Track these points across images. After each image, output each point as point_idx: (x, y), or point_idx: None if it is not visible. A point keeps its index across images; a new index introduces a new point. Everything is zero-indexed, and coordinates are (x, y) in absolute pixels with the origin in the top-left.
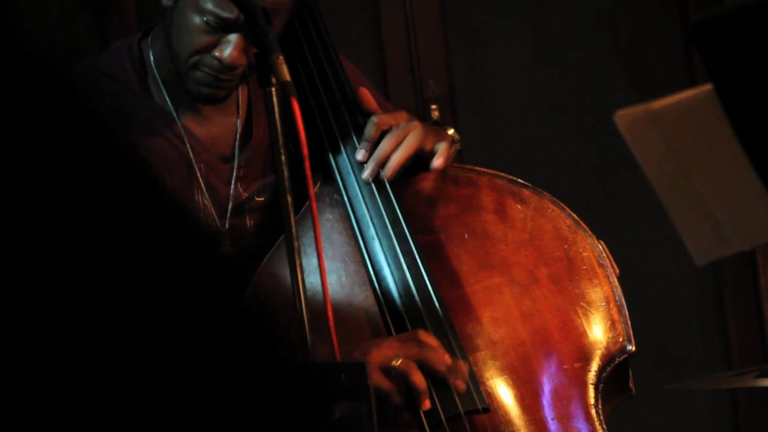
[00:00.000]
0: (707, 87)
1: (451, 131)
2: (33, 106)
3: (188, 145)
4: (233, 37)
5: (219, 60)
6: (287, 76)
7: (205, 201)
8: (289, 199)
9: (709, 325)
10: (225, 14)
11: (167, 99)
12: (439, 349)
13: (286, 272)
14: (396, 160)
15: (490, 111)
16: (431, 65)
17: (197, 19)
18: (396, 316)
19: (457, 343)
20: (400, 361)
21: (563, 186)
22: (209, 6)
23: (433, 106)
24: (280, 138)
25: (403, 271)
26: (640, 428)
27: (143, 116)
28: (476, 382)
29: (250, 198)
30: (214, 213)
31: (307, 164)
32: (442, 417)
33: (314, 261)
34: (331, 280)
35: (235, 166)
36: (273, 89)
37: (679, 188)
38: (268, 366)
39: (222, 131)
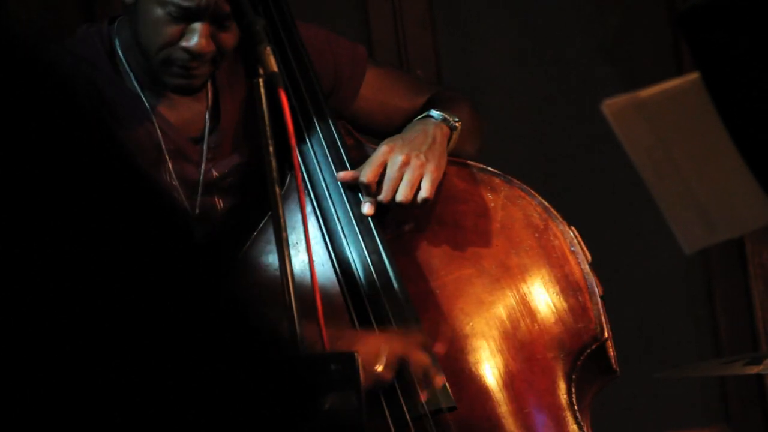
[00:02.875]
0: (694, 75)
1: (450, 118)
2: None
3: (158, 128)
4: (198, 25)
5: (187, 50)
6: (275, 67)
7: (173, 182)
8: (278, 190)
9: (697, 313)
10: (186, 3)
11: (136, 84)
12: (423, 357)
13: (269, 260)
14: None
15: (478, 101)
16: (419, 55)
17: (160, 12)
18: (358, 301)
19: (412, 313)
20: (383, 360)
21: (551, 177)
22: None
23: (419, 72)
24: (268, 128)
25: (363, 253)
26: (629, 417)
27: (116, 100)
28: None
29: (220, 179)
30: (182, 194)
31: (295, 154)
32: (408, 418)
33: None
34: (298, 265)
35: (205, 148)
36: (261, 80)
37: (667, 176)
38: (256, 357)
39: (191, 114)
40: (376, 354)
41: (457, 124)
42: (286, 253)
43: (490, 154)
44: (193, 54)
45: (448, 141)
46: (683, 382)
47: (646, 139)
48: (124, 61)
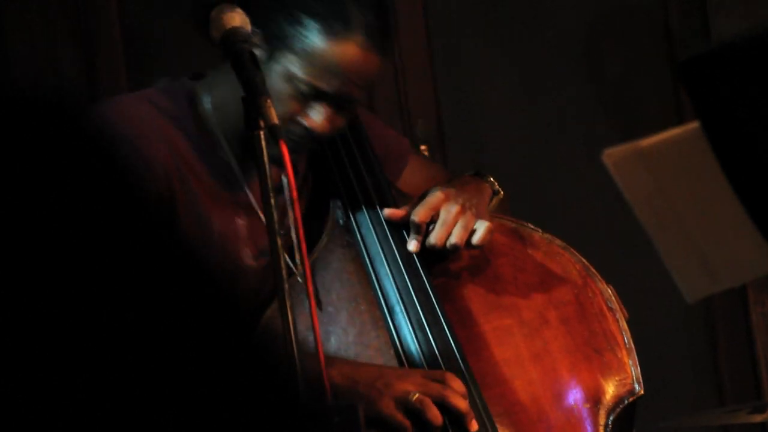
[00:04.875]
0: (695, 124)
1: (494, 183)
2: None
3: (252, 213)
4: (323, 107)
5: (306, 128)
6: (275, 119)
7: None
8: (279, 241)
9: (700, 362)
10: (322, 86)
11: (230, 156)
12: (463, 394)
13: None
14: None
15: (480, 149)
16: (420, 105)
17: (286, 86)
18: (411, 359)
19: (479, 396)
20: (416, 396)
21: (553, 221)
22: (301, 74)
23: (423, 147)
24: (269, 180)
25: (419, 315)
26: None
27: (202, 170)
28: (491, 420)
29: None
30: (250, 254)
31: (296, 206)
32: None
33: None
34: (341, 318)
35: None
36: (261, 132)
37: (668, 225)
38: (261, 407)
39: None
40: (414, 387)
41: (500, 191)
42: (288, 303)
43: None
44: (310, 132)
45: (489, 203)
46: (687, 431)
47: (647, 189)
48: (214, 124)
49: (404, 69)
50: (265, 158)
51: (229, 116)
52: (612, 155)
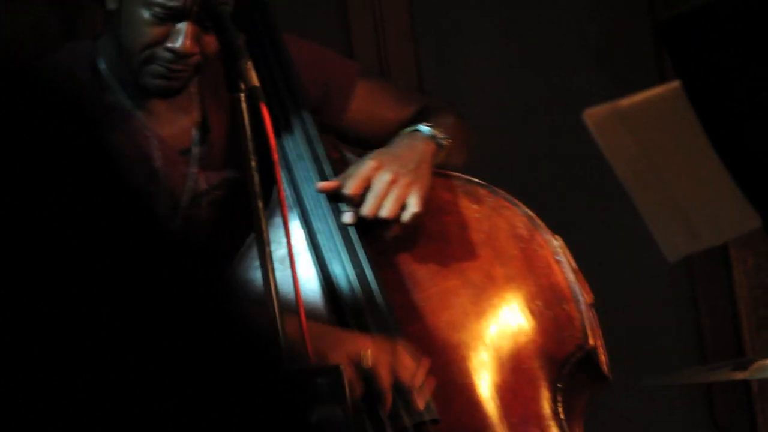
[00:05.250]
0: (675, 84)
1: (438, 135)
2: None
3: (147, 139)
4: (183, 26)
5: (171, 51)
6: (256, 82)
7: (162, 192)
8: (261, 204)
9: (683, 320)
10: (172, 3)
11: (124, 99)
12: (411, 366)
13: (257, 274)
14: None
15: (461, 110)
16: (401, 69)
17: (145, 13)
18: (341, 315)
19: (395, 324)
20: (369, 354)
21: (536, 186)
22: None
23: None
24: (250, 143)
25: (346, 267)
26: (615, 425)
27: (101, 114)
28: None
29: (207, 191)
30: (169, 205)
31: (277, 169)
32: (388, 430)
33: (279, 269)
34: (285, 280)
35: (193, 159)
36: (242, 95)
37: (649, 185)
38: (242, 371)
39: (179, 128)
40: (366, 350)
41: (444, 143)
42: (269, 267)
43: (473, 164)
44: (177, 54)
45: (435, 157)
46: (669, 389)
47: (628, 148)
48: (109, 75)
49: (385, 31)
50: (246, 120)
51: (120, 65)
52: (592, 115)
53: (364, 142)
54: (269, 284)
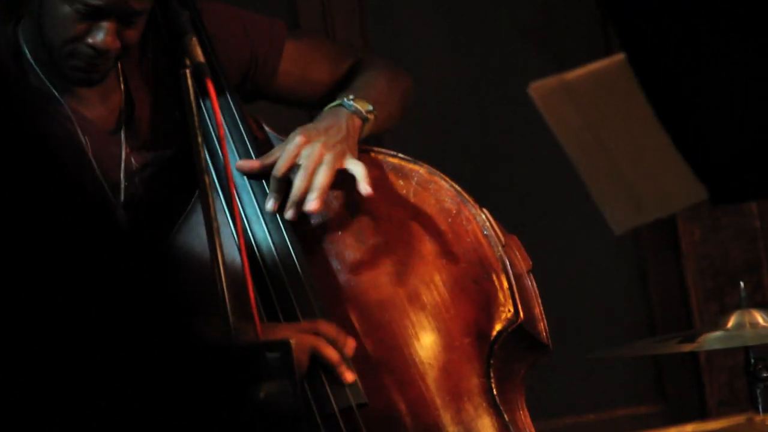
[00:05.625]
0: (620, 56)
1: (362, 109)
2: None
3: (74, 123)
4: (105, 24)
5: (93, 47)
6: (201, 57)
7: (96, 175)
8: (207, 180)
9: (631, 292)
10: (94, 2)
11: (48, 83)
12: (336, 340)
13: (197, 247)
14: (314, 199)
15: (399, 65)
16: (347, 41)
17: (66, 8)
18: (265, 292)
19: (319, 304)
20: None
21: (479, 161)
22: None
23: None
24: (196, 118)
25: (269, 246)
26: (564, 397)
27: (25, 99)
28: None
29: (142, 168)
30: (106, 187)
31: (223, 143)
32: (317, 417)
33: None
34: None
35: (123, 139)
36: (187, 71)
37: (595, 158)
38: (189, 347)
39: (105, 110)
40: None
41: (369, 116)
42: (217, 242)
43: (415, 140)
44: (98, 51)
45: (360, 131)
46: (617, 361)
47: (574, 121)
48: (31, 60)
49: (331, 6)
50: (192, 96)
51: (41, 50)
52: (538, 88)
53: (300, 104)
54: (217, 259)
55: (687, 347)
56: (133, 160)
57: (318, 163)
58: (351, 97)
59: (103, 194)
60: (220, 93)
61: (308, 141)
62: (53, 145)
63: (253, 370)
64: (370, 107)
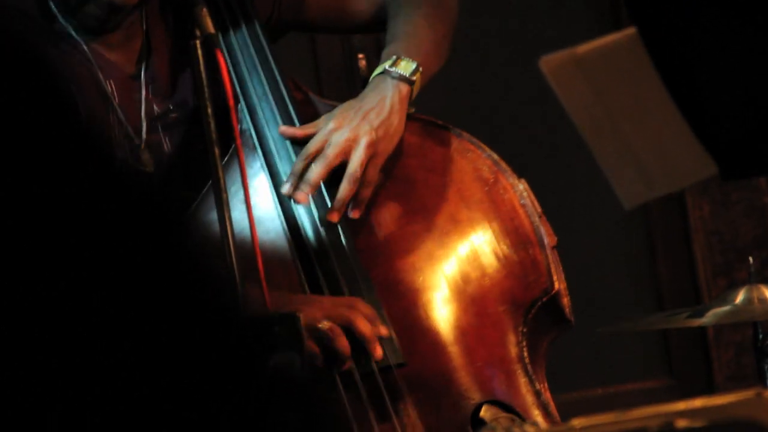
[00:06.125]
0: (631, 30)
1: (407, 75)
2: None
3: (96, 66)
4: None
5: (110, 3)
6: (212, 29)
7: (120, 118)
8: (217, 151)
9: (639, 267)
10: None
11: (70, 29)
12: (371, 318)
13: (215, 220)
14: (335, 210)
15: None
16: (364, 40)
17: None
18: (306, 258)
19: (367, 284)
20: (326, 324)
21: (490, 130)
22: None
23: (360, 55)
24: (206, 90)
25: (310, 209)
26: (573, 371)
27: (48, 43)
28: (391, 337)
29: (163, 114)
30: (130, 130)
31: (233, 115)
32: (357, 376)
33: (240, 210)
34: (242, 215)
35: (143, 83)
36: (198, 42)
37: (605, 132)
38: (200, 319)
39: (126, 54)
40: (322, 313)
41: (415, 77)
42: (226, 215)
43: (429, 110)
44: (115, 6)
45: (409, 98)
46: (626, 336)
47: (584, 96)
48: (53, 6)
49: None
50: (201, 67)
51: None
52: (548, 62)
53: (338, 30)
54: (227, 233)
55: (695, 322)
56: (155, 106)
57: (341, 154)
58: (394, 59)
59: (127, 138)
60: (260, 50)
61: (340, 126)
62: (80, 90)
63: (264, 341)
64: (415, 66)
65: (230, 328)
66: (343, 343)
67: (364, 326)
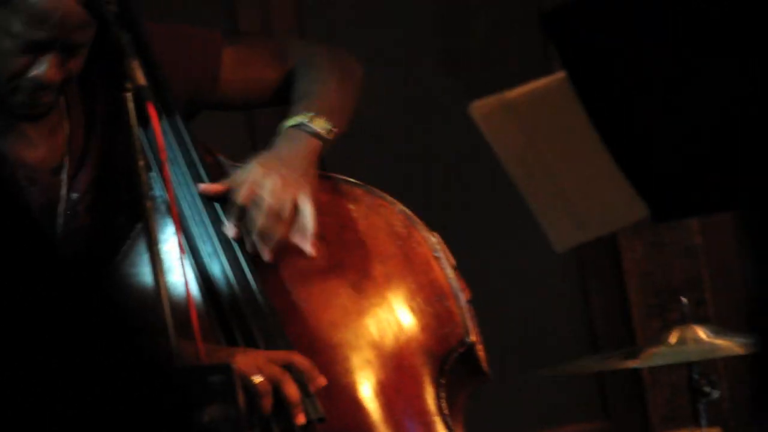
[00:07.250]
0: (561, 74)
1: (322, 132)
2: None
3: (12, 165)
4: (47, 56)
5: (35, 79)
6: (143, 80)
7: (35, 216)
8: (149, 204)
9: (573, 310)
10: (36, 37)
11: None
12: (308, 370)
13: (142, 272)
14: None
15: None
16: None
17: (8, 43)
18: (222, 317)
19: (285, 342)
20: (259, 379)
21: (417, 181)
22: (18, 29)
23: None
24: (137, 142)
25: (225, 269)
26: (508, 416)
27: None
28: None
29: (79, 199)
30: (44, 218)
31: (165, 168)
32: (275, 430)
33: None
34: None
35: (65, 176)
36: (128, 94)
37: (537, 176)
38: (132, 371)
39: (49, 148)
40: (256, 367)
41: (329, 136)
42: (159, 268)
43: (348, 163)
44: (41, 84)
45: (321, 153)
46: (561, 379)
47: (516, 140)
48: None
49: (272, 28)
50: (133, 120)
51: None
52: (479, 107)
53: (253, 106)
54: (159, 283)
55: (630, 363)
56: (72, 192)
57: (279, 201)
58: (308, 115)
59: (42, 231)
60: (169, 114)
61: (268, 172)
62: None
63: (197, 394)
64: (329, 126)
65: (164, 378)
66: (267, 404)
67: (292, 391)
